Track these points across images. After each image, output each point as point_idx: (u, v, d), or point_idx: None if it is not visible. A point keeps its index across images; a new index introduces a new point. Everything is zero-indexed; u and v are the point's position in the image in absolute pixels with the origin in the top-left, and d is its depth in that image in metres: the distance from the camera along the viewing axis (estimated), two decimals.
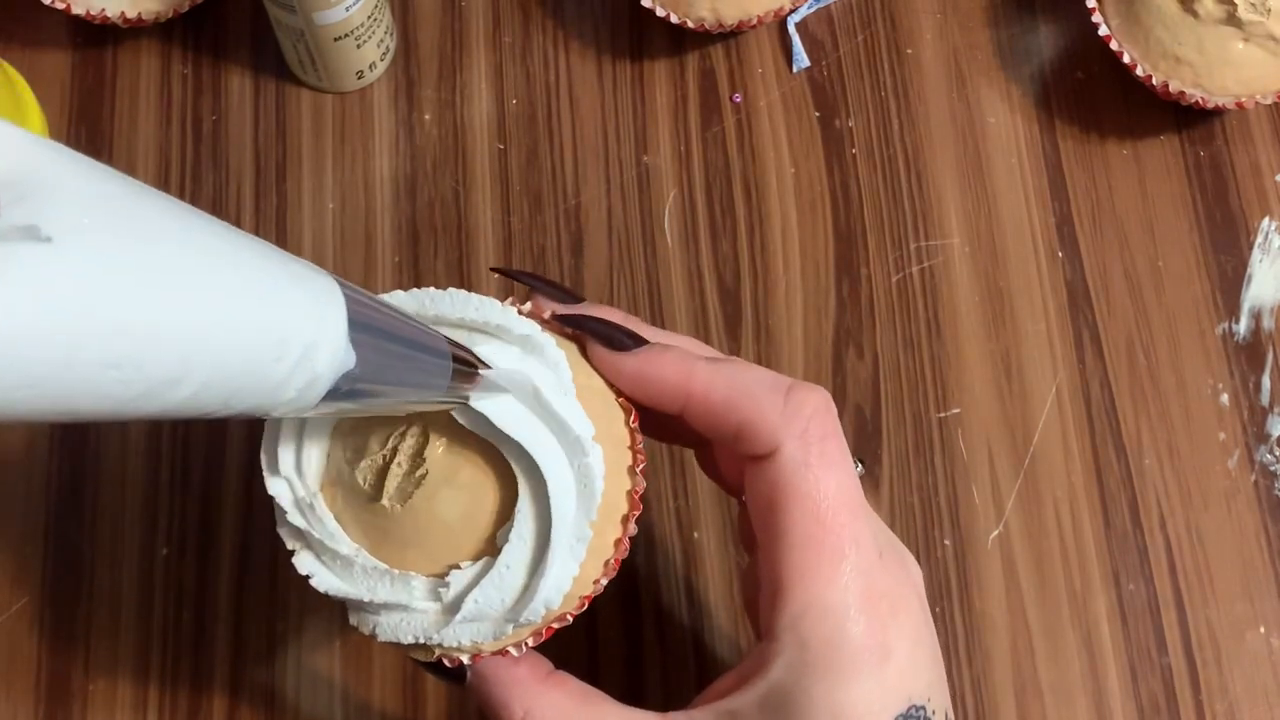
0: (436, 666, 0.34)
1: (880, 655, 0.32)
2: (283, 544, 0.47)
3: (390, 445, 0.32)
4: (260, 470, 0.44)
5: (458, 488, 0.32)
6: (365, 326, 0.26)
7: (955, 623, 0.46)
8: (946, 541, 0.47)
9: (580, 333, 0.34)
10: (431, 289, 0.33)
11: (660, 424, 0.35)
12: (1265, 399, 0.49)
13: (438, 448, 0.32)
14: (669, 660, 0.46)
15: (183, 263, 0.22)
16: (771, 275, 0.51)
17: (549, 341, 0.32)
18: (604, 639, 0.46)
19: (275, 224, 0.51)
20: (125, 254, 0.21)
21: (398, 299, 0.32)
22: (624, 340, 0.34)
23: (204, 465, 0.48)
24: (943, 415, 0.49)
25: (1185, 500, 0.48)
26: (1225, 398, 0.49)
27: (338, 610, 0.46)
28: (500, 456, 0.31)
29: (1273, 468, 0.48)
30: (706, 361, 0.34)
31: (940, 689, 0.34)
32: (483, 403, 0.31)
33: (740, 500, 0.39)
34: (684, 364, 0.34)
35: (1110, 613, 0.46)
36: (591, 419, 0.32)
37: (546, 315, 0.34)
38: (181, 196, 0.52)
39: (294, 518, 0.33)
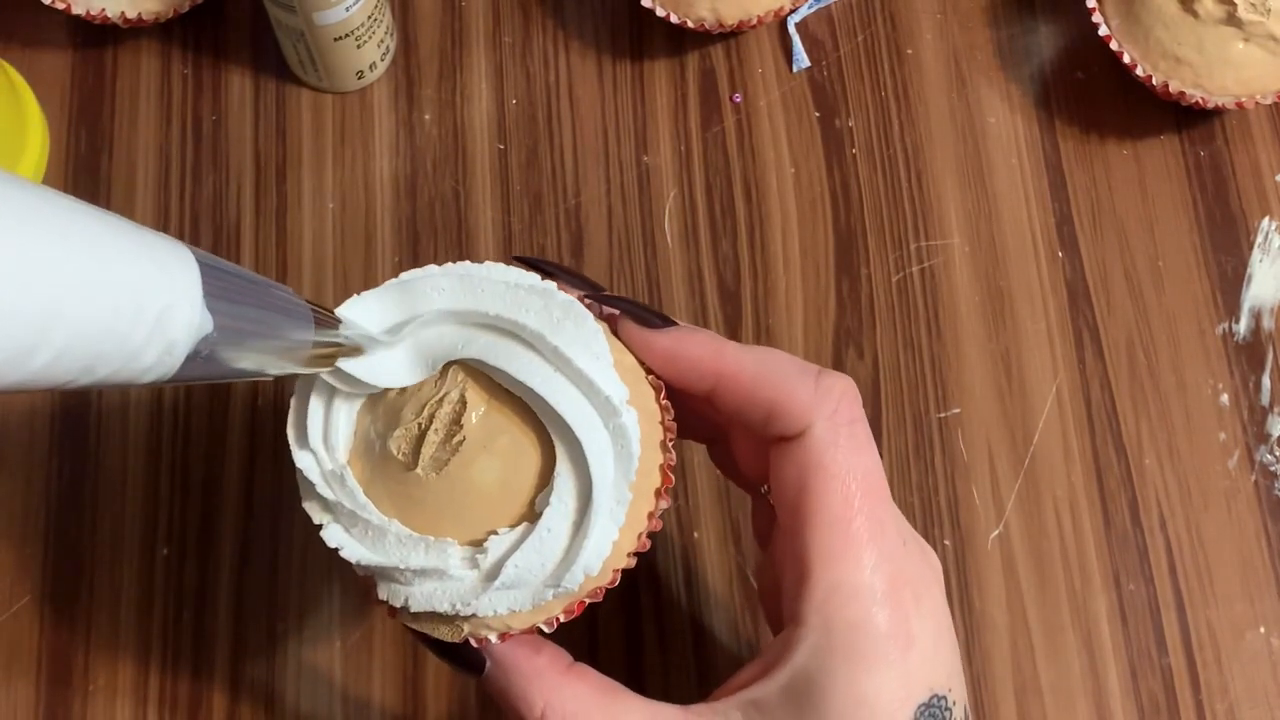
0: (455, 654, 0.34)
1: (904, 643, 0.32)
2: (282, 545, 0.47)
3: (426, 413, 0.32)
4: (260, 470, 0.44)
5: (495, 454, 0.32)
6: (222, 292, 0.27)
7: (955, 623, 0.46)
8: (946, 541, 0.47)
9: (612, 313, 0.34)
10: (467, 262, 0.33)
11: (680, 413, 0.35)
12: (1265, 399, 0.49)
13: (475, 415, 0.32)
14: (669, 660, 0.46)
15: (33, 234, 0.23)
16: (771, 275, 0.51)
17: (588, 313, 0.32)
18: (604, 639, 0.46)
19: (275, 224, 0.51)
20: None
21: (430, 272, 0.33)
22: (655, 319, 0.34)
23: (204, 465, 0.48)
24: (943, 415, 0.49)
25: (1185, 500, 0.48)
26: (1225, 398, 0.49)
27: (338, 610, 0.46)
28: (538, 423, 0.32)
29: (1273, 468, 0.48)
30: (736, 343, 0.34)
31: (960, 680, 0.34)
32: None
33: (755, 494, 0.39)
34: (716, 343, 0.34)
35: (1110, 613, 0.46)
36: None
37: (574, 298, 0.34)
38: (181, 196, 0.52)
39: (322, 489, 0.32)
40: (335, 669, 0.46)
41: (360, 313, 0.32)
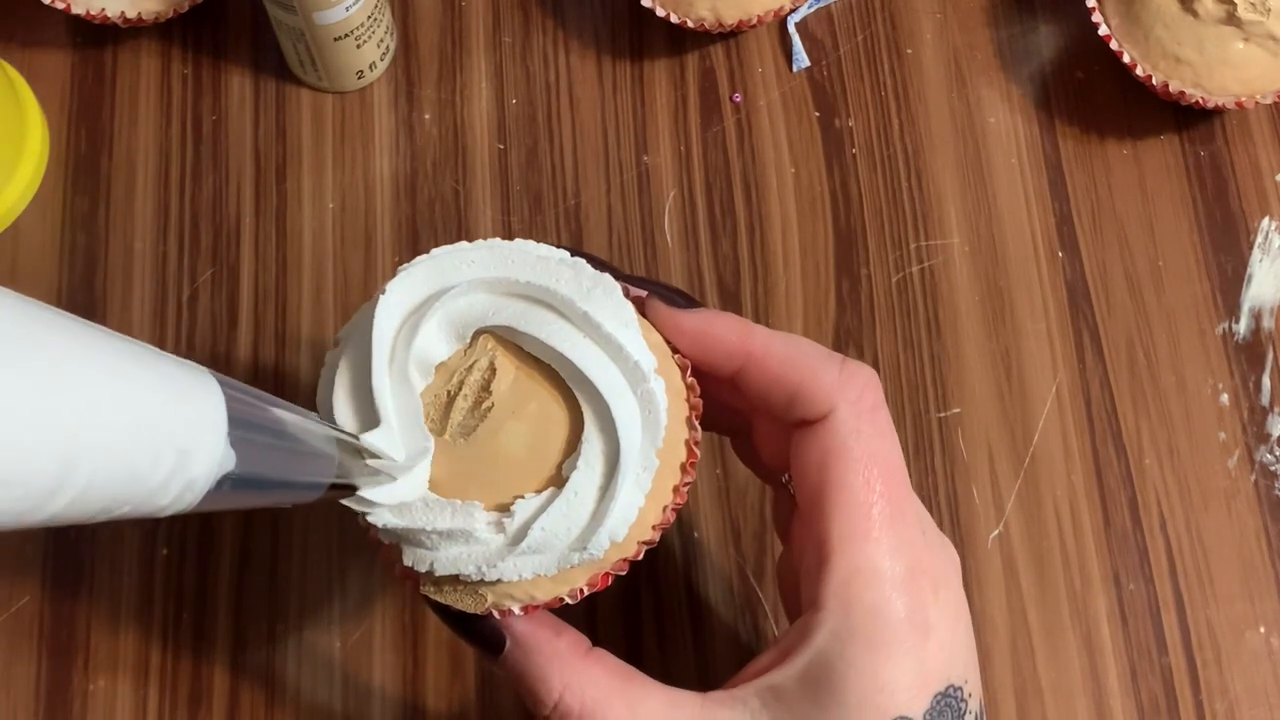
0: (476, 632, 0.34)
1: (922, 632, 0.32)
2: (282, 545, 0.47)
3: (455, 380, 0.32)
4: None
5: (523, 420, 0.32)
6: (246, 425, 0.26)
7: None
8: None
9: (639, 294, 0.35)
10: (497, 239, 0.33)
11: (703, 403, 0.35)
12: (1265, 399, 0.49)
13: (504, 381, 0.32)
14: (669, 660, 0.46)
15: (55, 373, 0.22)
16: (771, 275, 0.51)
17: (618, 286, 0.33)
18: (604, 638, 0.46)
19: (275, 224, 0.51)
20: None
21: (460, 247, 0.33)
22: (682, 300, 0.35)
23: None
24: (943, 415, 0.49)
25: (1185, 500, 0.48)
26: (1225, 398, 0.49)
27: (338, 610, 0.46)
28: (567, 390, 0.32)
29: (1273, 468, 0.48)
30: (763, 327, 0.34)
31: (975, 675, 0.34)
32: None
33: (777, 486, 0.39)
34: (743, 325, 0.34)
35: (1110, 613, 0.46)
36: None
37: None
38: (181, 196, 0.52)
39: None
40: (335, 669, 0.46)
41: (400, 297, 0.32)
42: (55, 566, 0.47)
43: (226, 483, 0.26)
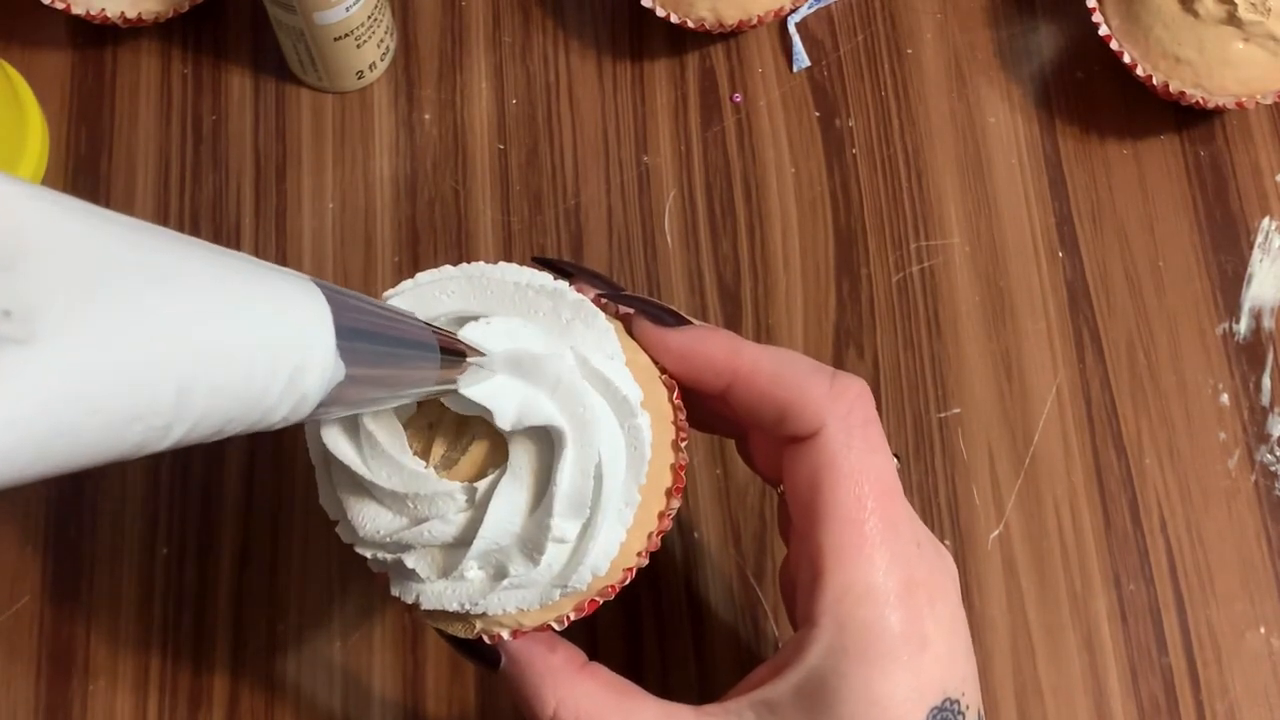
0: (471, 648, 0.34)
1: (917, 645, 0.32)
2: (282, 545, 0.47)
3: (437, 411, 0.32)
4: (260, 470, 0.43)
5: (504, 454, 0.31)
6: (352, 334, 0.26)
7: None
8: (946, 542, 0.47)
9: (627, 312, 0.34)
10: (481, 262, 0.33)
11: (695, 411, 0.35)
12: (1265, 399, 0.49)
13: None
14: (669, 660, 0.46)
15: (178, 306, 0.21)
16: (771, 275, 0.51)
17: (599, 313, 0.32)
18: (604, 639, 0.46)
19: (275, 224, 0.51)
20: (117, 320, 0.20)
21: (447, 273, 0.32)
22: (670, 318, 0.34)
23: (204, 465, 0.48)
24: (943, 415, 0.49)
25: (1185, 500, 0.48)
26: (1225, 398, 0.49)
27: (338, 611, 0.46)
28: None
29: (1273, 468, 0.48)
30: (752, 343, 0.34)
31: (974, 685, 0.34)
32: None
33: (780, 491, 0.40)
34: (732, 342, 0.34)
35: (1110, 613, 0.46)
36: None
37: (590, 298, 0.34)
38: (181, 196, 0.52)
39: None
40: (335, 669, 0.46)
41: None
42: (55, 566, 0.47)
43: (335, 391, 0.25)
